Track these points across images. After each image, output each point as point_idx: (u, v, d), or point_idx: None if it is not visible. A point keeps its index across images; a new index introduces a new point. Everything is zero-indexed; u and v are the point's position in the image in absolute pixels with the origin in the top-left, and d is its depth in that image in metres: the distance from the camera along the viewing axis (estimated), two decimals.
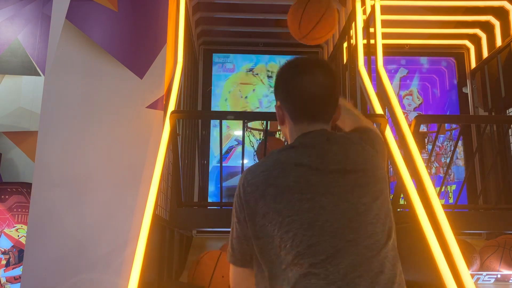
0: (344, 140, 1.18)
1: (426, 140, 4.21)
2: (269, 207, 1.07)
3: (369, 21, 3.21)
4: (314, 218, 1.03)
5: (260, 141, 4.40)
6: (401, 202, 2.51)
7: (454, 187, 4.20)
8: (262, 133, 4.46)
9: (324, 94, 1.18)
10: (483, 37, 4.18)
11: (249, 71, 4.74)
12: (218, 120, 2.51)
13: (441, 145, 4.28)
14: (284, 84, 1.22)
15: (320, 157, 1.11)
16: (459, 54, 4.46)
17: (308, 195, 1.06)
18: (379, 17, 3.12)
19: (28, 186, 3.64)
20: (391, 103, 2.71)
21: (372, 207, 1.07)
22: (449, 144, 4.27)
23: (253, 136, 4.49)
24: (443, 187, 3.88)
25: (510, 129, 3.34)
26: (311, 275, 0.99)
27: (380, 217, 1.08)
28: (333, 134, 1.18)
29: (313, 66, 1.21)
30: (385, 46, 3.15)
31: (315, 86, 1.17)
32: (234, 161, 4.55)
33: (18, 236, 3.58)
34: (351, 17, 3.41)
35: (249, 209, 1.10)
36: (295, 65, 1.23)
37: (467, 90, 4.38)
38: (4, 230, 3.59)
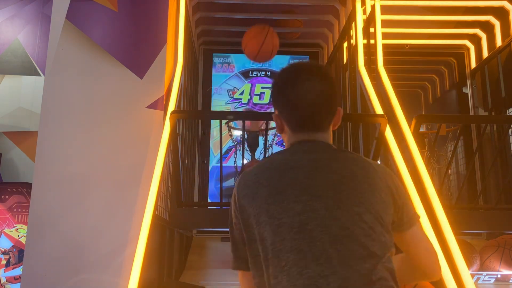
0: (350, 154, 1.12)
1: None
2: (259, 209, 1.03)
3: (369, 21, 3.21)
4: (305, 221, 0.98)
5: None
6: None
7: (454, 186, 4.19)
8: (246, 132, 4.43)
9: (323, 103, 1.12)
10: (483, 37, 4.18)
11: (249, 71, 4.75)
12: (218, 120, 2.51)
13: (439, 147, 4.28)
14: (280, 93, 1.16)
15: (318, 162, 1.07)
16: (459, 54, 4.45)
17: (301, 197, 1.01)
18: (379, 17, 3.12)
19: (28, 186, 3.64)
20: (391, 103, 2.71)
21: (366, 218, 1.00)
22: (449, 145, 4.27)
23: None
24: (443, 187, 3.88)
25: (510, 129, 3.33)
26: (300, 286, 0.93)
27: (375, 230, 1.00)
28: (334, 146, 1.14)
29: (310, 72, 1.14)
30: (385, 46, 3.15)
31: (312, 94, 1.11)
32: (233, 161, 4.55)
33: (18, 236, 3.58)
34: (351, 17, 3.41)
35: (244, 213, 1.06)
36: (291, 72, 1.16)
37: (467, 90, 4.37)
38: (4, 230, 3.59)
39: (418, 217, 1.14)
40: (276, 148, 4.39)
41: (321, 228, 0.98)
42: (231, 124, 4.10)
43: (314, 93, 1.11)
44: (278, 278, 0.97)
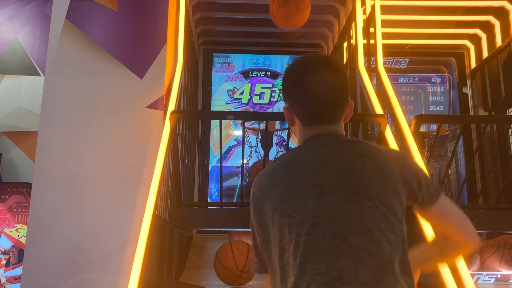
0: (360, 144, 1.12)
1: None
2: (274, 209, 1.05)
3: (369, 21, 3.21)
4: (318, 217, 0.99)
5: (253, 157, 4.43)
6: None
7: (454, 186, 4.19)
8: (259, 133, 4.48)
9: (332, 95, 1.11)
10: (483, 37, 4.18)
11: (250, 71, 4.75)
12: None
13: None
14: (290, 87, 1.16)
15: (327, 157, 1.07)
16: (459, 54, 4.46)
17: (313, 194, 1.02)
18: (379, 17, 3.12)
19: (28, 186, 3.64)
20: (391, 103, 2.71)
21: (379, 212, 1.00)
22: (449, 145, 4.26)
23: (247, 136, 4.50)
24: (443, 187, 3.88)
25: (510, 129, 3.33)
26: (312, 281, 0.94)
27: (389, 222, 1.00)
28: (345, 137, 1.14)
29: (319, 65, 1.13)
30: (385, 46, 3.15)
31: (321, 87, 1.10)
32: (233, 161, 4.55)
33: (18, 236, 3.58)
34: (351, 17, 3.41)
35: (259, 214, 1.09)
36: (300, 65, 1.16)
37: (467, 90, 4.38)
38: (4, 230, 3.59)
39: (441, 189, 1.14)
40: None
41: (333, 224, 0.98)
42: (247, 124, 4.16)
43: (323, 86, 1.10)
44: (291, 275, 0.98)
